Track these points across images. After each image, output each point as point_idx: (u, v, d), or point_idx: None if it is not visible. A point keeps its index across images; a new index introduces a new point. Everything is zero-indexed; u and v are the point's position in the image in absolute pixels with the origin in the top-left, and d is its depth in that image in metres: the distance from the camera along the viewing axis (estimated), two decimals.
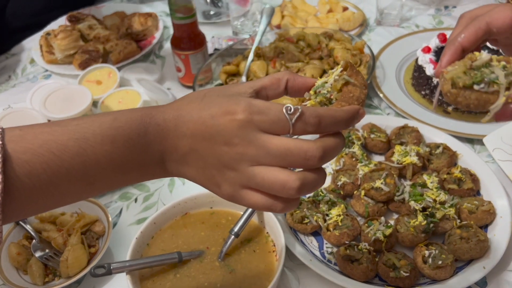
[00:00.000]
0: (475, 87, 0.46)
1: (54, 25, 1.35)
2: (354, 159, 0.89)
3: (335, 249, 0.78)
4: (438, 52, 1.09)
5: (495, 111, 0.46)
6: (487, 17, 0.51)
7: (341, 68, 0.48)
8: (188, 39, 1.08)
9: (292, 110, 0.43)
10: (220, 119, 0.44)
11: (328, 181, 0.90)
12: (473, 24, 0.52)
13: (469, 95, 0.47)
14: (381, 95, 1.07)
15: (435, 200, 0.79)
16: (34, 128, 0.46)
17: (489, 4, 0.54)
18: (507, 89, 0.46)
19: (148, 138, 0.46)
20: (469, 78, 0.46)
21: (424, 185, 0.81)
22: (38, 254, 0.78)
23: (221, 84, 1.15)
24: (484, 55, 0.47)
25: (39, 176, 0.43)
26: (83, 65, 1.21)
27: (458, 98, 0.47)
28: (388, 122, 0.99)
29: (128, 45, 1.24)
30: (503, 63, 0.47)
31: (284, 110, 0.43)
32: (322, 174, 0.46)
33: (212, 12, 1.41)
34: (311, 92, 0.49)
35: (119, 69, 1.19)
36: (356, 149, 0.90)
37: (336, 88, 0.47)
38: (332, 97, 0.48)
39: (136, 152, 0.46)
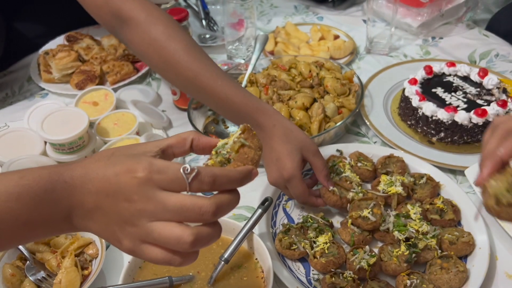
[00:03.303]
0: None
1: (52, 45, 1.37)
2: (348, 182, 0.92)
3: (321, 276, 0.81)
4: (424, 84, 1.13)
5: None
6: None
7: (240, 131, 0.54)
8: None
9: (189, 169, 0.47)
10: (122, 177, 0.47)
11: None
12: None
13: None
14: (368, 123, 1.11)
15: (417, 231, 0.82)
16: None
17: None
18: None
19: (55, 194, 0.49)
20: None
21: (407, 216, 0.85)
22: (31, 275, 0.80)
23: None
24: None
25: None
26: (80, 85, 1.24)
27: (502, 214, 0.50)
28: (374, 151, 1.02)
29: (125, 66, 1.27)
30: None
31: (181, 170, 0.47)
32: (217, 228, 0.50)
33: (207, 36, 1.45)
34: (213, 152, 0.54)
35: (115, 90, 1.21)
36: (348, 173, 0.93)
37: (234, 149, 0.53)
38: (230, 157, 0.53)
39: (43, 208, 0.48)
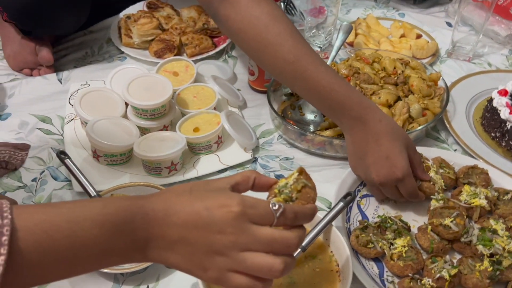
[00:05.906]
0: None
1: (132, 9, 1.38)
2: (432, 183, 0.89)
3: (395, 279, 0.79)
4: None
5: None
6: None
7: (297, 173, 0.60)
8: None
9: (277, 206, 0.53)
10: (215, 211, 0.51)
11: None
12: None
13: None
14: (450, 130, 1.07)
15: (504, 248, 0.79)
16: (28, 207, 0.48)
17: None
18: None
19: (134, 225, 0.51)
20: None
21: (494, 231, 0.82)
22: None
23: (291, 94, 1.16)
24: None
25: (30, 254, 0.44)
26: (159, 53, 1.24)
27: None
28: (456, 159, 0.99)
29: (204, 40, 1.27)
30: None
31: (270, 206, 0.53)
32: (295, 259, 0.56)
33: None
34: (276, 190, 0.59)
35: (193, 62, 1.21)
36: (433, 174, 0.90)
37: (296, 189, 0.59)
38: (293, 195, 0.59)
39: (121, 238, 0.50)
